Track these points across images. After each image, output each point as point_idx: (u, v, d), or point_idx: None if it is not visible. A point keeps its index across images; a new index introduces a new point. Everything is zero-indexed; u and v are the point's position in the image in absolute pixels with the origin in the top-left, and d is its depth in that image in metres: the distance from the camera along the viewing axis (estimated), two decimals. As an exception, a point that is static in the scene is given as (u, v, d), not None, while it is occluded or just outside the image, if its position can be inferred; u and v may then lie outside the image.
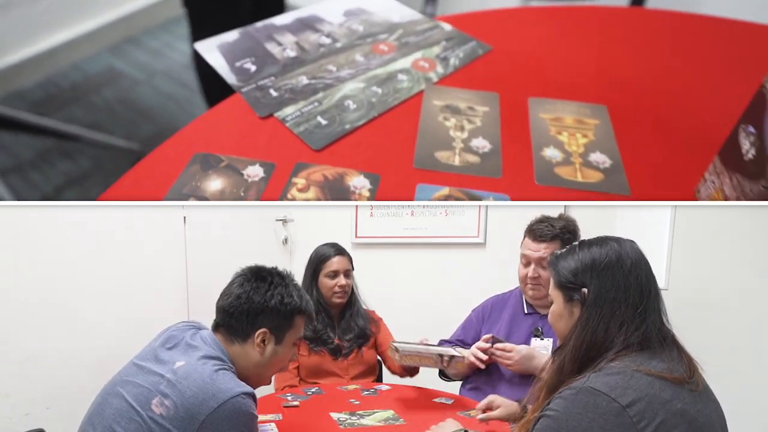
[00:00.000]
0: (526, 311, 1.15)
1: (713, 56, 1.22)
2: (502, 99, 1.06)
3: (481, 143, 0.97)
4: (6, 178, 2.56)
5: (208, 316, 1.61)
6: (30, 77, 3.16)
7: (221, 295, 0.80)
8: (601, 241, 0.70)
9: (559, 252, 0.73)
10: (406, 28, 1.27)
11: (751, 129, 0.71)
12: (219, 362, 0.72)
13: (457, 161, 0.93)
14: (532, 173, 0.90)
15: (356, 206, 1.65)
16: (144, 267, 1.34)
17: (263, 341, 0.76)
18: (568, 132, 0.99)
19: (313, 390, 1.16)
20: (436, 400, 1.09)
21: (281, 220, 1.76)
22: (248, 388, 0.70)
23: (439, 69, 1.14)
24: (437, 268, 1.65)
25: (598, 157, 0.95)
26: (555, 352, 0.70)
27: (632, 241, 0.70)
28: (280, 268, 0.81)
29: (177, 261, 1.46)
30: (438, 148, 0.95)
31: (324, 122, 0.99)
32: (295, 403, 1.07)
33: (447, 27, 1.27)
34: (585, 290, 0.67)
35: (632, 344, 0.64)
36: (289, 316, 0.76)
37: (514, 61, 1.17)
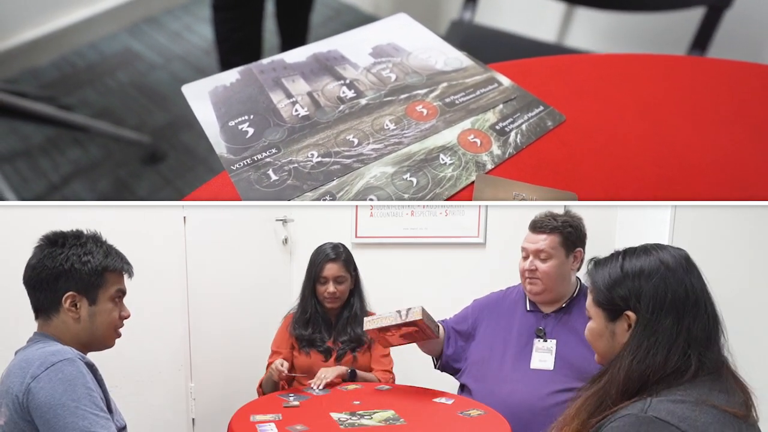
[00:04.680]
0: (528, 308, 1.04)
1: None
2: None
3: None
4: (13, 164, 2.42)
5: (208, 316, 1.42)
6: (45, 56, 2.96)
7: (24, 269, 0.72)
8: (647, 250, 0.60)
9: (598, 259, 0.63)
10: (452, 80, 0.93)
11: None
12: (38, 344, 0.68)
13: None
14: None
15: (356, 206, 1.56)
16: (144, 267, 1.24)
17: (74, 305, 0.70)
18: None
19: (314, 390, 1.12)
20: (437, 400, 1.05)
21: (281, 220, 1.67)
22: (66, 354, 0.64)
23: (496, 149, 0.82)
24: (437, 268, 1.58)
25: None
26: (596, 377, 0.60)
27: (681, 249, 0.60)
28: (87, 230, 0.74)
29: (177, 261, 1.39)
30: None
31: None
32: (296, 403, 1.04)
33: (505, 81, 0.93)
34: (631, 313, 0.58)
35: (695, 374, 0.56)
36: (93, 274, 0.71)
37: (594, 140, 0.84)
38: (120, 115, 2.66)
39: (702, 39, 1.66)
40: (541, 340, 1.01)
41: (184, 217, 1.39)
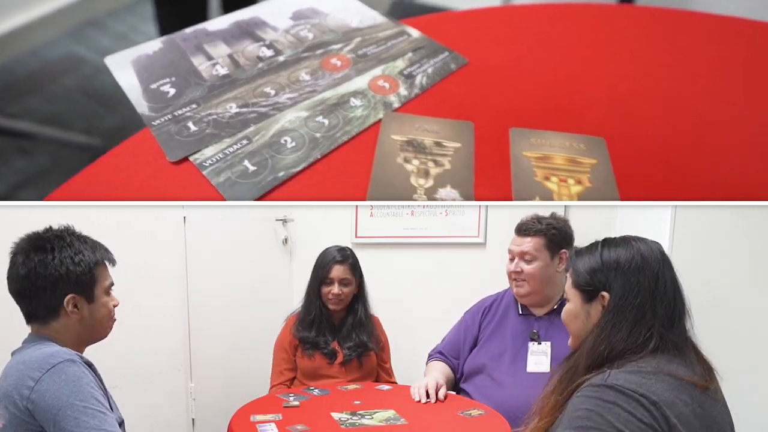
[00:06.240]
0: (520, 312, 1.09)
1: (744, 71, 1.01)
2: (477, 130, 0.85)
3: (450, 194, 0.76)
4: (-43, 178, 2.40)
5: (208, 316, 1.47)
6: (-18, 66, 2.93)
7: (8, 279, 0.72)
8: (626, 241, 0.66)
9: (578, 248, 0.69)
10: (366, 35, 1.03)
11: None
12: (34, 345, 0.68)
13: (417, 222, 0.72)
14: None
15: (356, 206, 1.61)
16: (143, 267, 1.28)
17: (75, 306, 0.71)
18: (558, 177, 0.79)
19: (314, 390, 1.15)
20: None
21: (281, 220, 1.70)
22: (65, 356, 0.66)
23: (402, 90, 0.91)
24: (437, 268, 1.63)
25: (594, 213, 0.75)
26: (569, 356, 0.66)
27: (656, 242, 0.66)
28: (56, 226, 0.74)
29: (177, 261, 1.42)
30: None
31: (252, 168, 0.77)
32: (296, 403, 1.06)
33: (415, 33, 1.03)
34: (606, 294, 0.63)
35: (657, 350, 0.61)
36: (87, 272, 0.72)
37: (493, 78, 0.94)
38: (68, 121, 2.66)
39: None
40: (536, 343, 1.05)
41: (184, 217, 1.41)
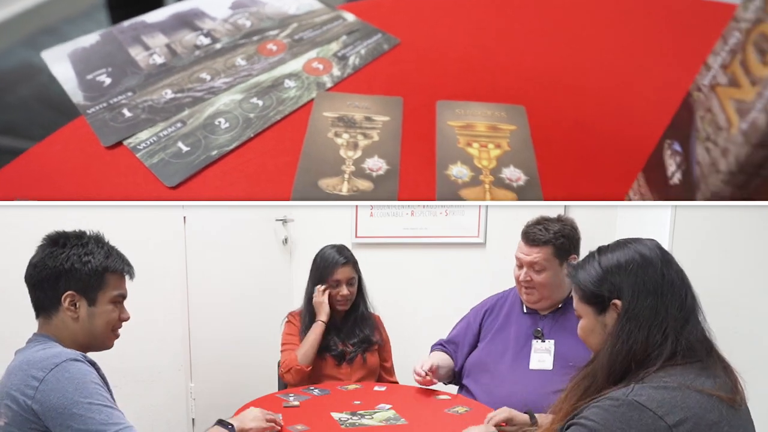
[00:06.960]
0: (525, 310, 1.09)
1: (650, 40, 1.08)
2: (406, 104, 0.90)
3: (376, 164, 0.80)
4: None
5: (208, 316, 1.49)
6: (-67, 78, 2.88)
7: (26, 267, 0.74)
8: (620, 244, 0.64)
9: (575, 264, 0.67)
10: (302, 21, 1.07)
11: (677, 147, 0.58)
12: (38, 345, 0.69)
13: (344, 190, 0.76)
14: (433, 198, 0.76)
15: (356, 206, 1.63)
16: (143, 267, 1.30)
17: (73, 304, 0.72)
18: (479, 143, 0.84)
19: (314, 390, 1.16)
20: (438, 398, 1.09)
21: (281, 220, 1.72)
22: (68, 355, 0.67)
23: (336, 71, 0.96)
24: (437, 268, 1.64)
25: (511, 173, 0.80)
26: (586, 364, 0.64)
27: (653, 240, 0.65)
28: (90, 231, 0.76)
29: (177, 261, 1.43)
30: (323, 174, 0.78)
31: (185, 149, 0.81)
32: (296, 403, 1.06)
33: (350, 17, 1.08)
34: (617, 301, 0.62)
35: (677, 355, 0.59)
36: (93, 274, 0.73)
37: (423, 56, 1.00)
38: (25, 129, 2.64)
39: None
40: (539, 340, 1.05)
41: (184, 217, 1.42)
